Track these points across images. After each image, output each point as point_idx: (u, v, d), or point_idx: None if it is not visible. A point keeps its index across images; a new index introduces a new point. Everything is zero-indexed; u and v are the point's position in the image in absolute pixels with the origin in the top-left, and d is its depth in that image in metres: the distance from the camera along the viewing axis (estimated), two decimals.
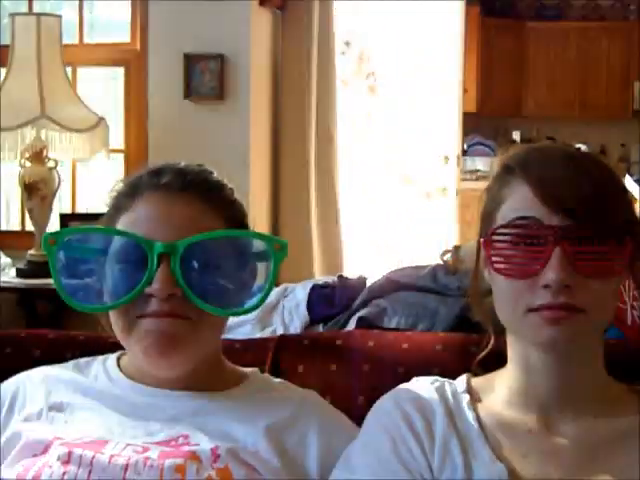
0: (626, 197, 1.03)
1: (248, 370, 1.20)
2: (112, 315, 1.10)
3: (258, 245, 1.11)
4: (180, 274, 1.04)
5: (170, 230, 1.07)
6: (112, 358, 1.19)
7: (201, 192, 1.11)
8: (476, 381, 1.11)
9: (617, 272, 0.99)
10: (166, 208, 1.09)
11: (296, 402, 1.14)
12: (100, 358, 1.20)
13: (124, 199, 1.12)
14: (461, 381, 1.10)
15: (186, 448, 1.04)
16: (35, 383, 1.15)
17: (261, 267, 1.12)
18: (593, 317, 0.99)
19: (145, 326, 1.06)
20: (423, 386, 1.09)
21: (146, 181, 1.12)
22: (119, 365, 1.17)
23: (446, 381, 1.10)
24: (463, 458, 1.00)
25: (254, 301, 1.10)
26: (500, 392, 1.07)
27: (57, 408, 1.11)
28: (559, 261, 0.96)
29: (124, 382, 1.14)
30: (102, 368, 1.17)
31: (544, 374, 1.03)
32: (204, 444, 1.04)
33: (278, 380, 1.20)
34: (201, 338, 1.09)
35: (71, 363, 1.20)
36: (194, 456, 1.02)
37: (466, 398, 1.06)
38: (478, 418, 1.04)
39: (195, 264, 1.06)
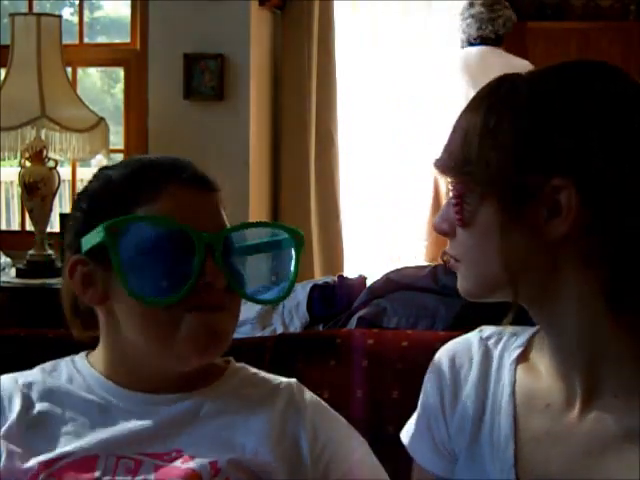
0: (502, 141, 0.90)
1: (219, 360, 1.18)
2: (146, 312, 1.04)
3: (282, 235, 1.13)
4: (223, 265, 1.04)
5: (204, 222, 1.06)
6: (81, 359, 1.15)
7: (214, 188, 1.12)
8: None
9: (468, 221, 0.93)
10: (197, 202, 1.08)
11: (284, 397, 1.13)
12: (66, 360, 1.16)
13: (138, 193, 1.07)
14: (528, 333, 1.05)
15: (184, 466, 1.01)
16: (10, 394, 1.09)
17: (285, 256, 1.13)
18: (468, 268, 0.96)
19: (197, 321, 1.03)
20: (475, 341, 1.06)
21: (167, 175, 1.08)
22: (93, 366, 1.13)
23: (508, 334, 1.05)
24: (469, 437, 0.99)
25: (283, 289, 1.11)
26: (548, 349, 0.99)
27: (38, 423, 1.06)
28: (439, 211, 0.98)
29: (107, 387, 1.10)
30: (74, 371, 1.13)
31: (558, 335, 0.96)
32: (201, 458, 1.02)
33: (253, 370, 1.18)
34: (234, 329, 1.10)
35: (38, 369, 1.16)
36: (194, 474, 1.00)
37: (515, 354, 1.02)
38: (514, 382, 1.00)
39: (234, 255, 1.07)
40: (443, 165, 0.96)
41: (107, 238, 1.02)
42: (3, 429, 1.05)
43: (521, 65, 4.05)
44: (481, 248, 0.94)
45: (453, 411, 1.02)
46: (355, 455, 1.12)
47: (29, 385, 1.11)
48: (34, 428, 1.06)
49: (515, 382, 1.00)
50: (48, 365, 1.16)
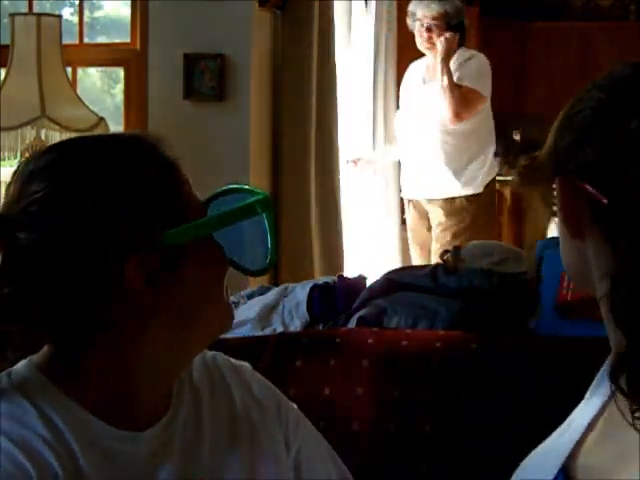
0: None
1: None
2: (215, 293, 1.02)
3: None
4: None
5: None
6: (60, 403, 0.93)
7: None
8: None
9: None
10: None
11: (241, 385, 1.11)
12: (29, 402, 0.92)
13: (169, 184, 0.99)
14: None
15: None
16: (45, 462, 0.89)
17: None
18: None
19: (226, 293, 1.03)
20: None
21: (171, 157, 1.00)
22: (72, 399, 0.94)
23: None
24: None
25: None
26: None
27: None
28: None
29: (108, 430, 0.95)
30: (58, 415, 0.92)
31: None
32: None
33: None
34: None
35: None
36: None
37: None
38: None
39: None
40: None
41: (269, 209, 0.99)
42: None
43: None
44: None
45: None
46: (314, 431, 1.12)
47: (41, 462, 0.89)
48: None
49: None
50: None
